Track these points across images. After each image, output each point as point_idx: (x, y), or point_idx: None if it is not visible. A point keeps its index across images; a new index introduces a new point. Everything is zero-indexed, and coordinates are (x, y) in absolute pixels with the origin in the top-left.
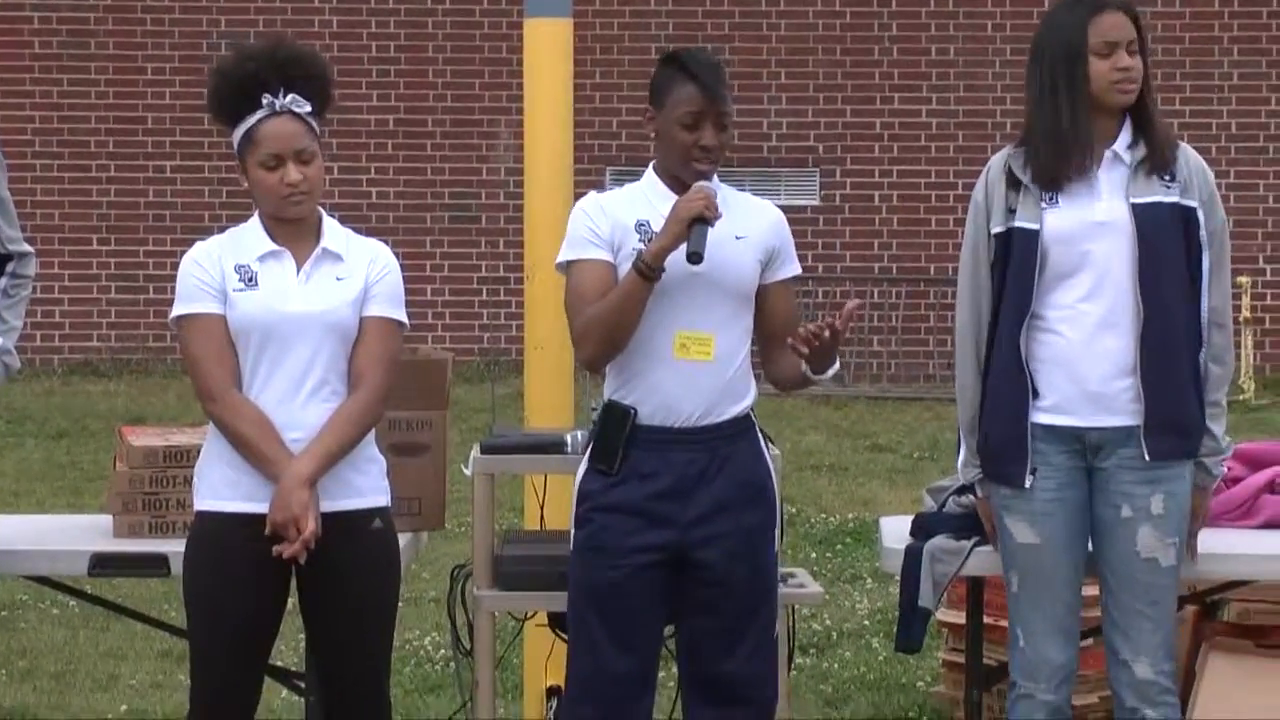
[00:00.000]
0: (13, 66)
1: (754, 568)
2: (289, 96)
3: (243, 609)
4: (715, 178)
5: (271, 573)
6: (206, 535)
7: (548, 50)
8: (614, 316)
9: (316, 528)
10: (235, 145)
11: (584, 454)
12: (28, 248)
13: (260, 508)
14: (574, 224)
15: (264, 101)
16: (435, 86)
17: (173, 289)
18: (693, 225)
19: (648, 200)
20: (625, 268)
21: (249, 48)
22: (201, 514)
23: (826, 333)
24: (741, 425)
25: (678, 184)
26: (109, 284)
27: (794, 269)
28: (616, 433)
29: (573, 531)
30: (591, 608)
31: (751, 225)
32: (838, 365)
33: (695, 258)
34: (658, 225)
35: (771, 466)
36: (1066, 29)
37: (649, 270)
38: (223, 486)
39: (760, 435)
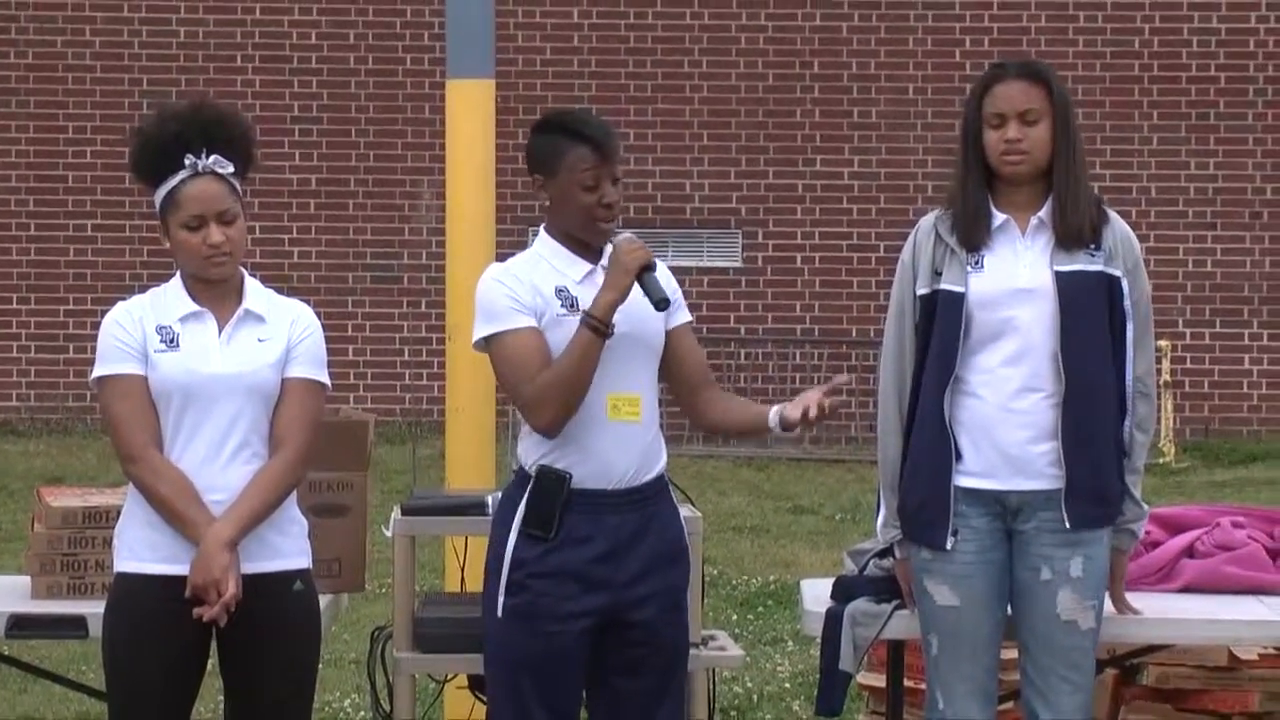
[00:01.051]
0: None
1: (678, 626)
2: (211, 157)
3: (162, 670)
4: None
5: (191, 634)
6: (126, 597)
7: (470, 111)
8: (572, 378)
9: (237, 590)
10: (157, 205)
11: (506, 518)
12: None
13: (180, 569)
14: (490, 296)
15: (186, 162)
16: (358, 146)
17: (93, 348)
18: (641, 275)
19: (553, 267)
20: (556, 332)
21: (171, 107)
22: (121, 575)
23: (828, 404)
24: (661, 484)
25: (580, 245)
26: (29, 343)
27: (686, 315)
28: (553, 498)
29: (500, 598)
30: (524, 672)
31: None
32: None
33: (663, 304)
34: (576, 291)
35: (684, 525)
36: (969, 101)
37: (602, 326)
38: (142, 548)
39: (673, 497)
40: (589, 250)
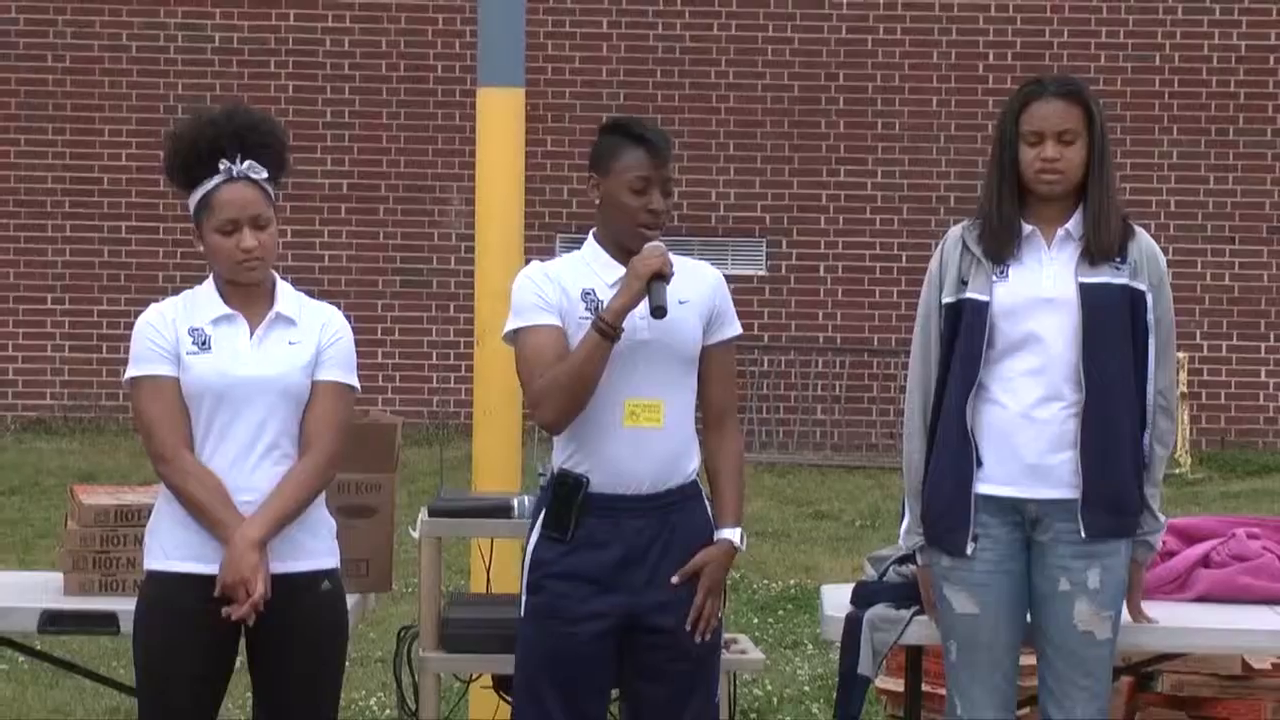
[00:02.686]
0: None
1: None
2: (245, 163)
3: (191, 668)
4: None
5: (220, 632)
6: (157, 595)
7: (500, 118)
8: (575, 377)
9: (266, 590)
10: (191, 209)
11: (535, 521)
12: None
13: (210, 569)
14: (520, 293)
15: (221, 167)
16: (389, 152)
17: (126, 348)
18: (652, 282)
19: (591, 270)
20: (575, 335)
21: (206, 112)
22: (152, 574)
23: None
24: (689, 491)
25: (622, 252)
26: (63, 342)
27: (734, 329)
28: (569, 502)
29: (524, 597)
30: (544, 672)
31: (693, 288)
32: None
33: (659, 312)
34: (604, 294)
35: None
36: (1005, 115)
37: (610, 329)
38: (173, 547)
39: (706, 501)
40: (629, 255)
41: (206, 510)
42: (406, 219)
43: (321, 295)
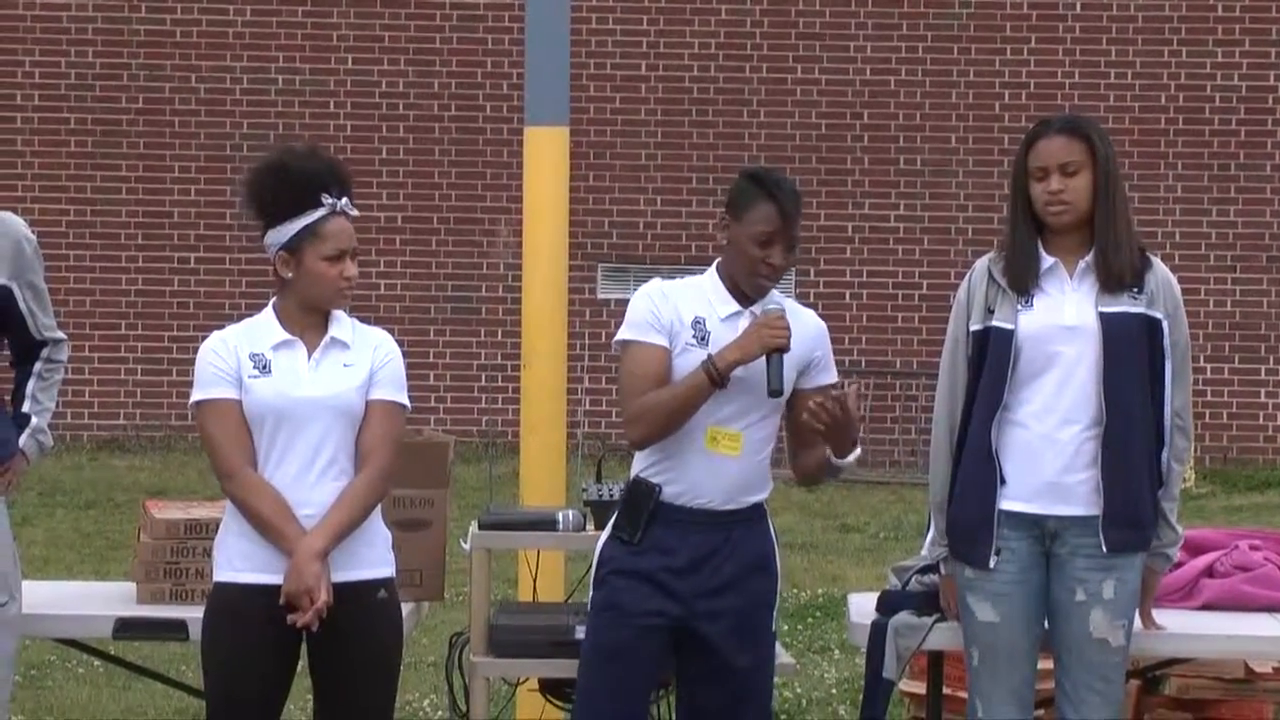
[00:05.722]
0: (50, 164)
1: (753, 650)
2: (343, 199)
3: (257, 672)
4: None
5: (283, 638)
6: (224, 604)
7: (546, 155)
8: (674, 410)
9: (329, 598)
10: (286, 236)
11: (608, 523)
12: (61, 334)
13: (274, 579)
14: (637, 307)
15: (325, 201)
16: (440, 187)
17: (194, 372)
18: (771, 355)
19: (707, 299)
20: (682, 358)
21: (296, 149)
22: (220, 584)
23: (836, 407)
24: (756, 513)
25: (738, 290)
26: (135, 366)
27: (830, 377)
28: (642, 507)
29: (590, 593)
30: (597, 661)
31: (795, 336)
32: (859, 450)
33: (776, 393)
34: (713, 325)
35: (777, 548)
36: (1018, 156)
37: (719, 378)
38: (239, 559)
39: (771, 523)
40: (745, 295)
41: (270, 524)
42: (457, 250)
43: (377, 321)
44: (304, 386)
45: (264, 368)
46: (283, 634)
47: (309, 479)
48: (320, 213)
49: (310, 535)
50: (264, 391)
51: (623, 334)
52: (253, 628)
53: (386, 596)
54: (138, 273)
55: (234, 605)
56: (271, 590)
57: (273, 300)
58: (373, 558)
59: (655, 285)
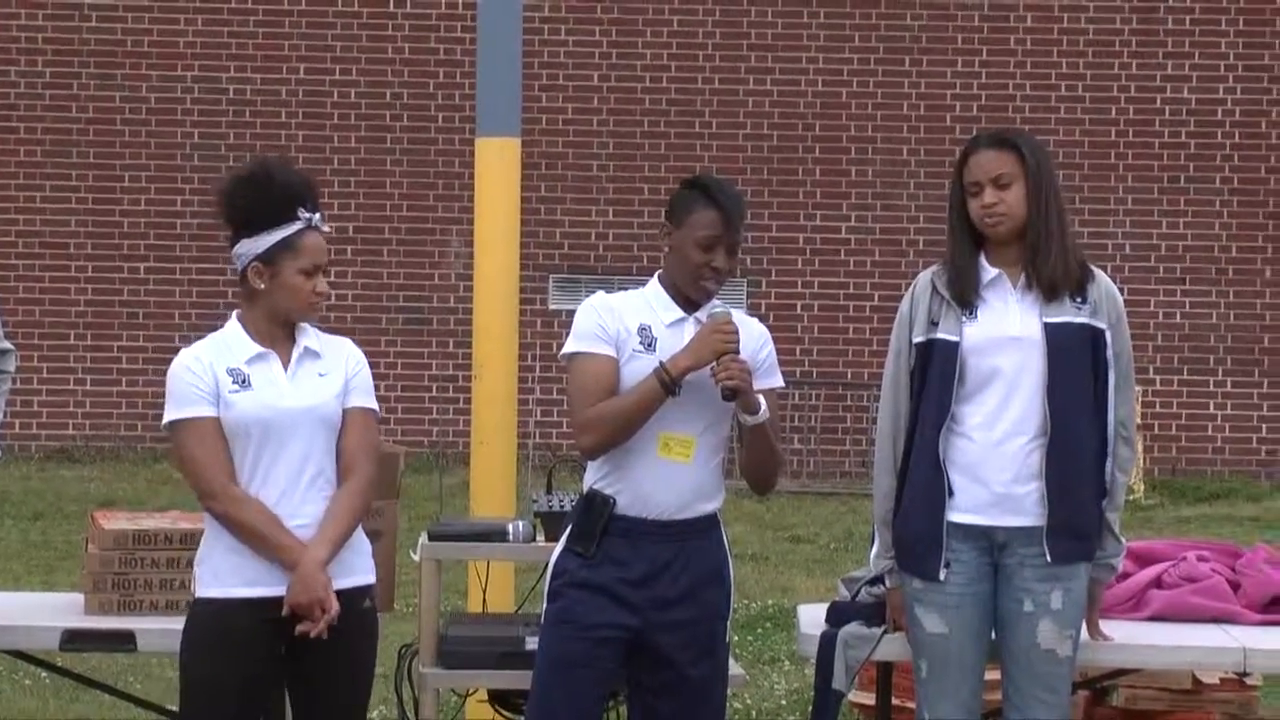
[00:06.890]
0: None
1: (708, 664)
2: (316, 214)
3: (240, 686)
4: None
5: (270, 651)
6: (210, 619)
7: (497, 166)
8: (626, 418)
9: (339, 607)
10: (261, 248)
11: (561, 536)
12: (9, 345)
13: (266, 591)
14: (583, 319)
15: (302, 215)
16: (392, 197)
17: (144, 381)
18: (720, 359)
19: (651, 307)
20: (630, 366)
21: (274, 161)
22: (205, 599)
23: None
24: (710, 523)
25: (681, 297)
26: (84, 376)
27: (776, 381)
28: (596, 519)
29: (544, 605)
30: (552, 673)
31: (741, 341)
32: (765, 409)
33: (730, 393)
34: (659, 331)
35: (730, 560)
36: (954, 173)
37: (672, 385)
38: (227, 573)
39: (724, 534)
40: (688, 302)
41: (265, 537)
42: (408, 260)
43: (328, 332)
44: (286, 398)
45: (243, 382)
46: (268, 647)
47: (298, 490)
48: (297, 226)
49: (313, 546)
50: (247, 405)
51: (570, 346)
52: (239, 642)
53: (369, 605)
54: (87, 283)
55: (221, 619)
56: (263, 603)
57: (236, 313)
58: (362, 565)
59: (599, 298)
